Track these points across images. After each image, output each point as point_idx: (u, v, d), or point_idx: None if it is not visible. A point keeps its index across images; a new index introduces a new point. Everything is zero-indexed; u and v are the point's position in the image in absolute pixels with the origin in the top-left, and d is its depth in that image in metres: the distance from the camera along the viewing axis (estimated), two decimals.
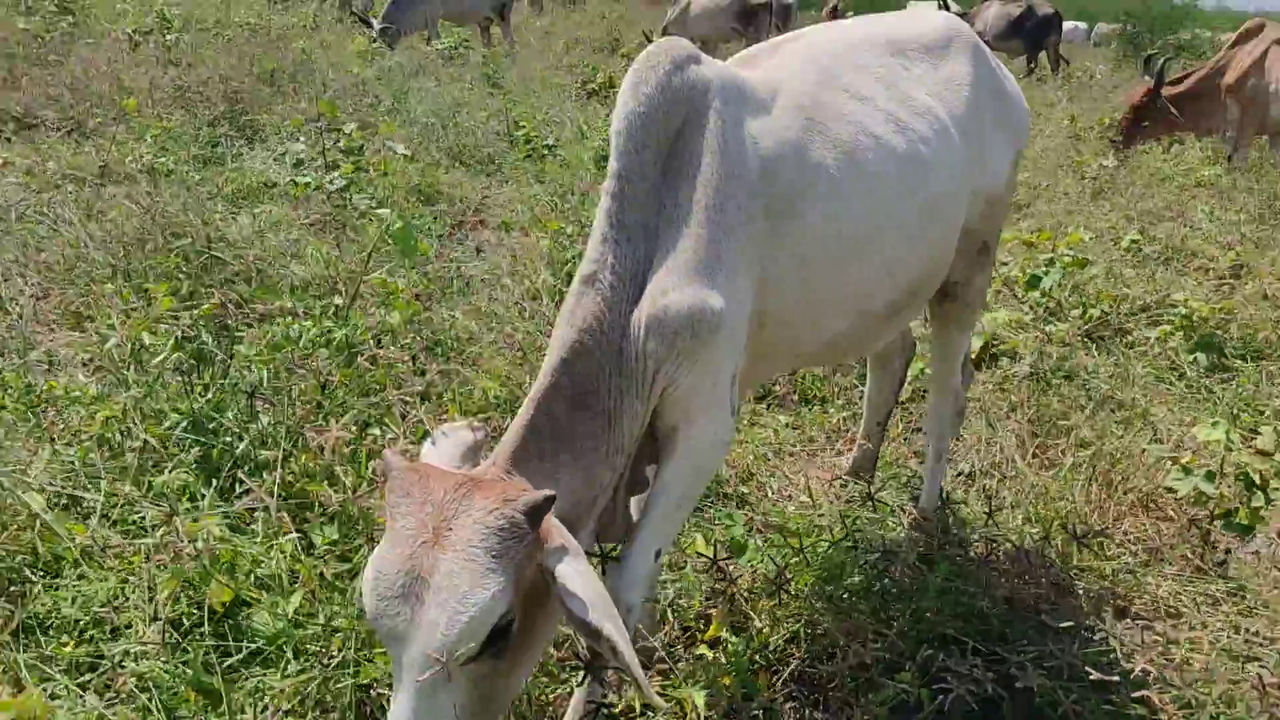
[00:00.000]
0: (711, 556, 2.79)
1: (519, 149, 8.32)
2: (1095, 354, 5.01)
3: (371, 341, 3.44)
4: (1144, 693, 2.46)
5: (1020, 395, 4.35)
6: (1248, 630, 3.05)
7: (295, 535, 2.60)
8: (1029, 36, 22.86)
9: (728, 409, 2.38)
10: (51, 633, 2.48)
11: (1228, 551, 3.55)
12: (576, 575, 1.87)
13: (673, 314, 2.19)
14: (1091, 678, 2.44)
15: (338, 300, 3.86)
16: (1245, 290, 5.89)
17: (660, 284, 2.21)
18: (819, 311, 2.57)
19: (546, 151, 8.13)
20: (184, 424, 3.15)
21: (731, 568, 2.84)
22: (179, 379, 3.38)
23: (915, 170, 2.65)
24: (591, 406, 2.17)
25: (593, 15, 21.11)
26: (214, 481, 3.06)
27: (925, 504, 3.47)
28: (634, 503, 2.52)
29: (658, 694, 2.50)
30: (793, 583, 2.84)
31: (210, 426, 3.20)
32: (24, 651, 2.38)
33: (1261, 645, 3.01)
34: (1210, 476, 3.33)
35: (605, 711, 2.44)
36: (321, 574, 2.56)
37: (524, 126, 8.85)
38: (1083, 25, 31.41)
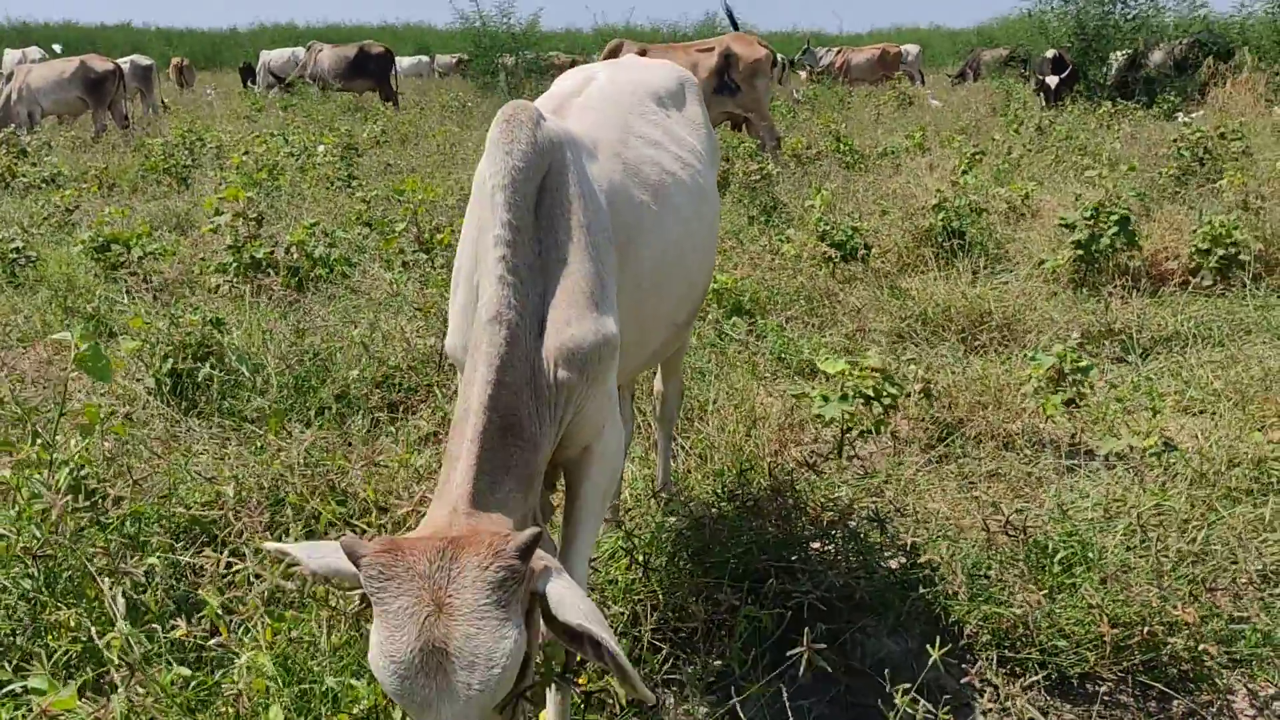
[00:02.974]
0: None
1: None
2: None
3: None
4: (928, 556, 3.29)
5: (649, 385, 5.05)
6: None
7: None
8: (373, 75, 24.30)
9: (618, 416, 2.73)
10: None
11: (854, 455, 4.60)
12: (567, 591, 2.02)
13: (580, 343, 2.43)
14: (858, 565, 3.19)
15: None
16: (731, 266, 7.23)
17: (562, 316, 2.44)
18: (645, 329, 2.97)
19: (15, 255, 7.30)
20: None
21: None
22: None
23: (699, 198, 3.16)
24: (520, 435, 2.28)
25: None
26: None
27: (663, 481, 4.01)
28: None
29: (593, 690, 2.81)
30: (646, 559, 3.26)
31: None
32: None
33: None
34: (844, 398, 4.28)
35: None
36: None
37: None
38: (425, 58, 33.73)
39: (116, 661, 2.43)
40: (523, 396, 2.32)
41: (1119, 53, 21.55)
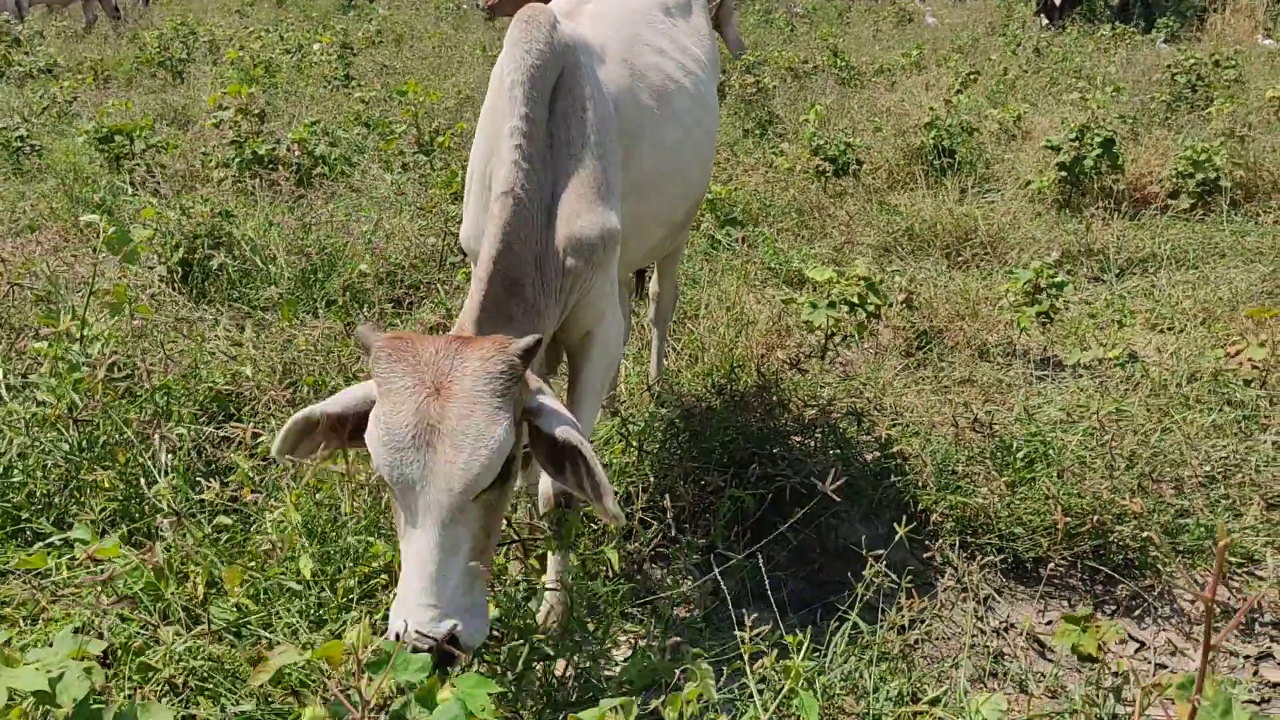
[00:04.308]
0: None
1: None
2: None
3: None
4: (900, 448, 3.54)
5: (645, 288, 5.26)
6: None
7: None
8: None
9: (618, 305, 2.95)
10: None
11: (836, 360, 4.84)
12: (554, 405, 2.25)
13: (589, 234, 2.64)
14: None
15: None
16: (725, 178, 7.40)
17: (571, 208, 2.63)
18: (644, 225, 3.18)
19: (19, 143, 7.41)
20: None
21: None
22: None
23: (700, 105, 3.33)
24: (523, 297, 2.49)
25: None
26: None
27: (656, 377, 4.25)
28: None
29: (580, 557, 3.06)
30: (641, 443, 3.51)
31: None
32: None
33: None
34: (833, 304, 4.50)
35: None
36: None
37: None
38: None
39: (166, 510, 2.66)
40: (528, 267, 2.52)
41: None
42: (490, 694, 1.78)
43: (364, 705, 1.69)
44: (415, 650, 1.97)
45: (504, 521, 2.51)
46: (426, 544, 2.04)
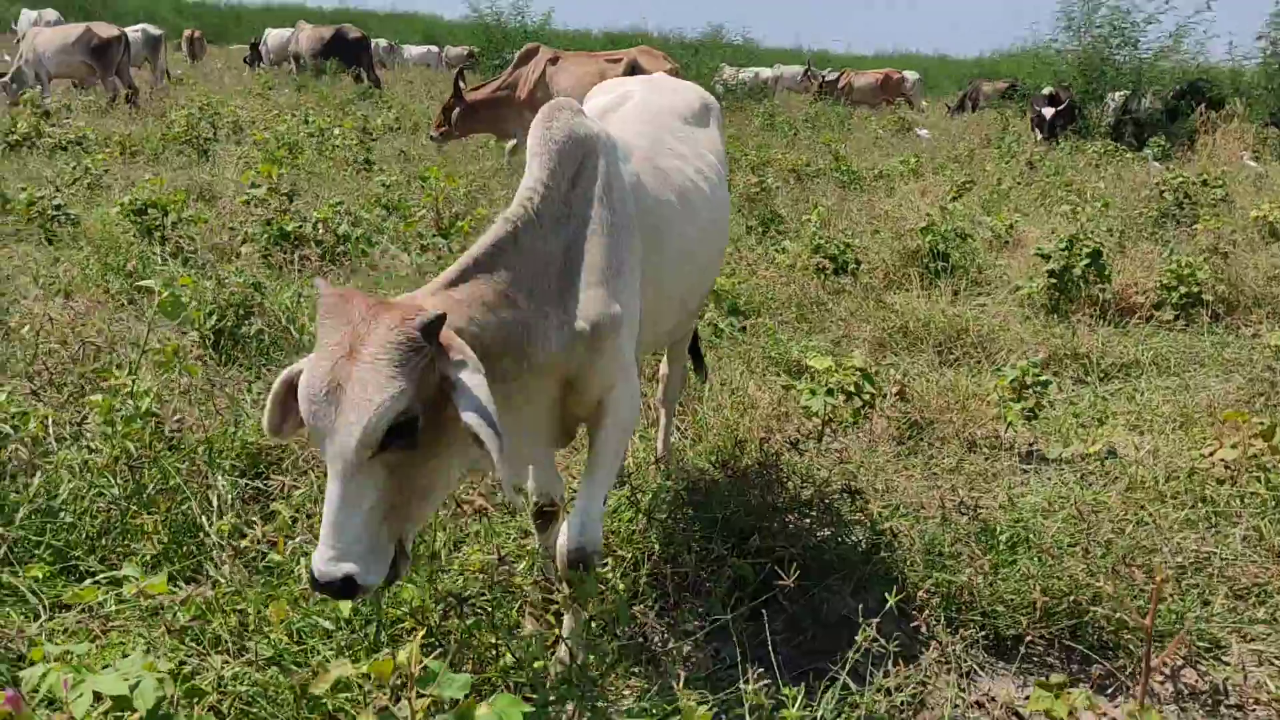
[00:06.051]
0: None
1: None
2: None
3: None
4: (889, 525, 3.79)
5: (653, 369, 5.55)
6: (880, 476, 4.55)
7: None
8: (345, 55, 24.95)
9: (635, 379, 3.18)
10: None
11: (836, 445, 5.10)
12: (469, 384, 2.32)
13: (594, 313, 2.84)
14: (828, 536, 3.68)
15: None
16: (729, 272, 7.74)
17: (586, 281, 2.85)
18: (661, 312, 3.46)
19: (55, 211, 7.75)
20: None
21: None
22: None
23: (715, 206, 3.67)
24: (513, 306, 2.67)
25: None
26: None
27: (663, 453, 4.51)
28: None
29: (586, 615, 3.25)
30: (650, 510, 3.75)
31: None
32: None
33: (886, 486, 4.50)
34: (831, 392, 4.78)
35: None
36: None
37: None
38: (434, 49, 34.56)
39: (223, 544, 2.90)
40: (521, 276, 2.71)
41: (1117, 94, 22.04)
42: (524, 713, 2.01)
43: (413, 714, 1.91)
44: (316, 584, 2.24)
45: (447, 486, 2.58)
46: (331, 493, 2.25)
